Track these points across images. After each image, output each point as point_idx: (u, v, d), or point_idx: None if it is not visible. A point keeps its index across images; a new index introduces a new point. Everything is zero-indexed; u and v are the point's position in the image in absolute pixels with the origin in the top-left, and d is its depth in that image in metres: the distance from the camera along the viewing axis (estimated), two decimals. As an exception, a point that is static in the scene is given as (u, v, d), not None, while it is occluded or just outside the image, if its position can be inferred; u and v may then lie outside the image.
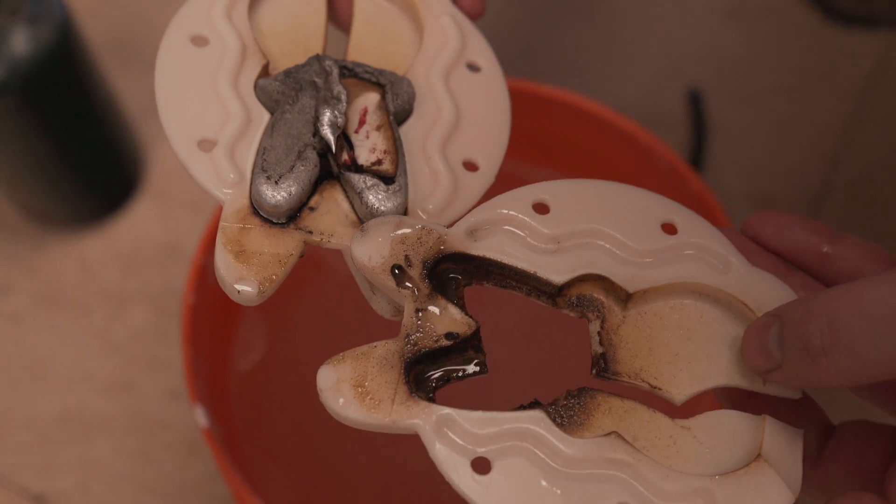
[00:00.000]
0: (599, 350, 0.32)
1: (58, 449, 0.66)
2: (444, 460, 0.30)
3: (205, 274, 0.49)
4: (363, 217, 0.34)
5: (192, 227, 0.72)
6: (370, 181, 0.34)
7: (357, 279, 0.34)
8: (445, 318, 0.32)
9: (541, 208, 0.34)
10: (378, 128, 0.35)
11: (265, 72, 0.36)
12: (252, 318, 0.54)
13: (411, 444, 0.51)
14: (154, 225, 0.72)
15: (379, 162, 0.34)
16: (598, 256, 0.33)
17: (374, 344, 0.31)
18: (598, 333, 0.33)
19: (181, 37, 0.36)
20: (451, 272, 0.33)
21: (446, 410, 0.30)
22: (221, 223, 0.33)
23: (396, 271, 0.32)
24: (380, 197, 0.34)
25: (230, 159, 0.34)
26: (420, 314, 0.32)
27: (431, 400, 0.31)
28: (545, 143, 0.56)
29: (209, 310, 0.49)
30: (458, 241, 0.33)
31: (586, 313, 0.33)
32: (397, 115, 0.36)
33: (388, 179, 0.34)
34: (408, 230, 0.32)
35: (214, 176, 0.34)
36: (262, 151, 0.34)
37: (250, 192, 0.33)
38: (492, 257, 0.33)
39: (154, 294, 0.70)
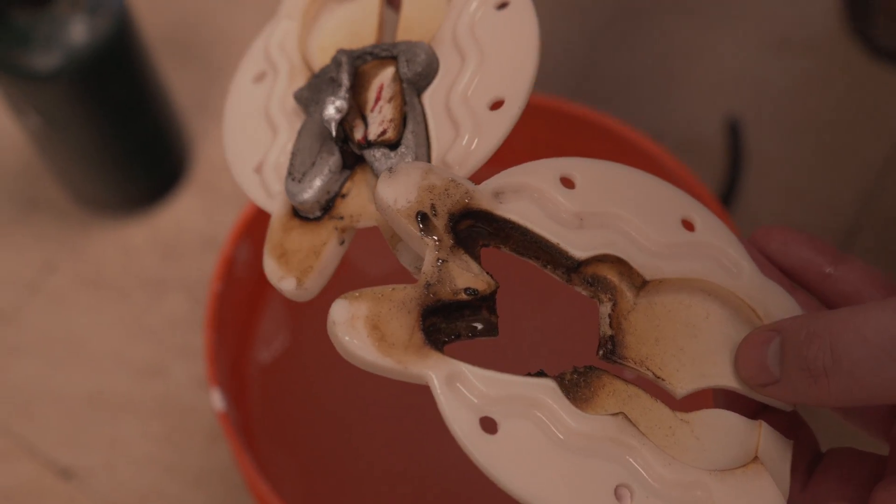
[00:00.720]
0: (609, 332, 0.33)
1: (87, 426, 0.68)
2: (452, 414, 0.29)
3: (233, 264, 0.51)
4: None
5: (232, 221, 0.74)
6: (378, 153, 0.35)
7: (383, 230, 0.34)
8: (466, 272, 0.31)
9: (567, 182, 0.33)
10: (390, 99, 0.35)
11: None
12: (276, 312, 0.56)
13: (420, 438, 0.52)
14: (196, 216, 0.75)
15: (384, 132, 0.35)
16: (619, 239, 0.33)
17: (393, 286, 0.31)
18: (609, 316, 0.33)
19: (245, 80, 0.38)
20: (473, 229, 0.33)
21: (460, 365, 0.30)
22: (269, 231, 0.34)
23: (420, 218, 0.31)
24: (388, 164, 0.34)
25: (276, 173, 0.36)
26: (440, 264, 0.31)
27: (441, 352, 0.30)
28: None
29: (235, 300, 0.51)
30: (485, 199, 0.32)
31: (599, 294, 0.33)
32: (417, 79, 0.36)
33: (393, 146, 0.34)
34: (436, 180, 0.32)
35: (263, 192, 0.36)
36: (292, 156, 0.35)
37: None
38: (517, 220, 0.33)
39: (190, 283, 0.72)
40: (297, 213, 0.35)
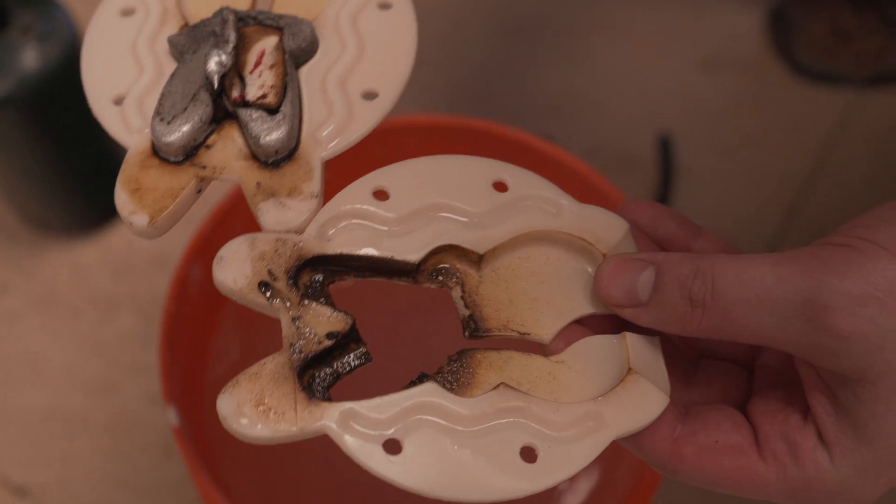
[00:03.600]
0: (466, 312, 0.35)
1: (41, 443, 0.69)
2: (357, 451, 0.31)
3: (186, 284, 0.53)
4: (253, 149, 0.36)
5: (180, 238, 0.75)
6: (255, 114, 0.36)
7: (244, 188, 0.35)
8: (322, 320, 0.33)
9: (381, 195, 0.35)
10: (271, 66, 0.37)
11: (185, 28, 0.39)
12: (228, 330, 0.58)
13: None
14: (146, 236, 0.76)
15: (264, 96, 0.36)
16: (444, 227, 0.35)
17: (263, 361, 0.32)
18: (462, 297, 0.35)
19: (111, 10, 0.39)
20: (314, 274, 0.34)
21: (347, 405, 0.31)
22: (123, 165, 0.35)
23: (263, 288, 0.33)
24: (265, 127, 0.36)
25: (138, 109, 0.37)
26: (297, 322, 0.33)
27: (329, 399, 0.32)
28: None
29: (188, 318, 0.53)
30: (313, 244, 0.34)
31: (446, 282, 0.35)
32: (298, 54, 0.38)
33: (272, 111, 0.36)
34: (264, 246, 0.34)
35: (122, 125, 0.37)
36: (161, 97, 0.36)
37: (151, 136, 0.36)
38: (348, 252, 0.34)
39: (141, 301, 0.74)
40: (157, 153, 0.36)
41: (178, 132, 0.36)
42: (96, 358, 0.72)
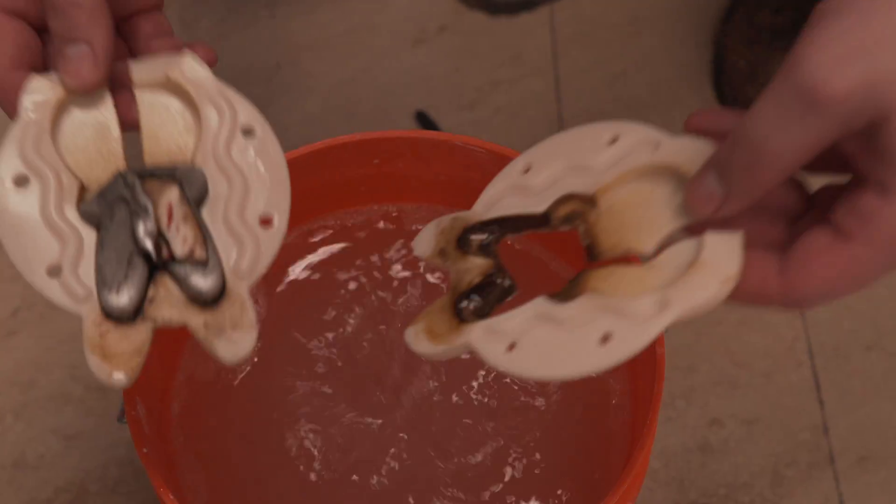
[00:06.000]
0: (586, 243, 0.43)
1: None
2: (485, 351, 0.41)
3: (140, 425, 0.49)
4: (193, 296, 0.41)
5: (32, 432, 0.68)
6: (189, 269, 0.41)
7: (194, 330, 0.41)
8: (474, 266, 0.43)
9: (526, 169, 0.44)
10: (184, 219, 0.42)
11: (83, 191, 0.43)
12: (188, 460, 0.54)
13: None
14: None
15: (192, 252, 0.42)
16: (565, 181, 0.44)
17: (438, 300, 0.43)
18: (584, 232, 0.43)
19: (5, 183, 0.42)
20: (481, 237, 0.44)
21: (484, 321, 0.41)
22: (84, 334, 0.40)
23: (440, 254, 0.44)
24: (200, 278, 0.41)
25: (77, 279, 0.41)
26: (455, 271, 0.44)
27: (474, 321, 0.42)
28: (423, 182, 0.60)
29: (154, 456, 0.49)
30: (475, 215, 0.45)
31: (574, 223, 0.43)
32: (199, 200, 0.43)
33: (202, 263, 0.41)
34: (444, 223, 0.45)
35: (68, 297, 0.41)
36: (99, 268, 0.41)
37: (99, 303, 0.41)
38: (493, 216, 0.44)
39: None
40: (110, 316, 0.40)
41: (128, 297, 0.40)
42: None
